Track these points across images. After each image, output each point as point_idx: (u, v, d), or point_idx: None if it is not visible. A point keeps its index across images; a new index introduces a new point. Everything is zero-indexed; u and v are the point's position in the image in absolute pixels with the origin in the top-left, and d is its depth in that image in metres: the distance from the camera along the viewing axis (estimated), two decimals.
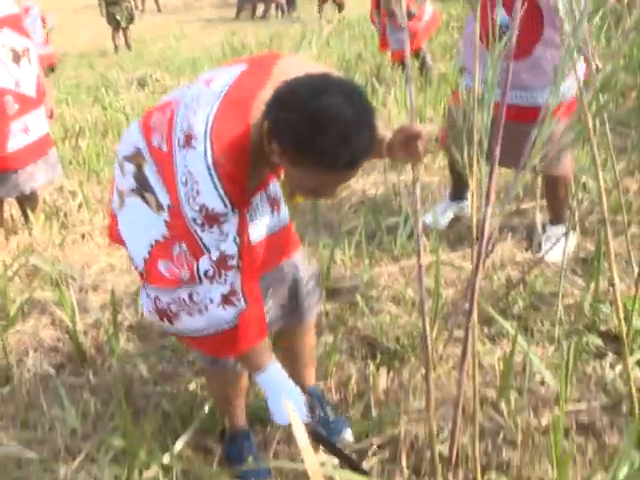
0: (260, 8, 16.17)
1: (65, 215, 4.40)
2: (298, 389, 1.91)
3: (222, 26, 14.78)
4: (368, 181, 4.77)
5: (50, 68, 8.36)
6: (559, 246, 2.93)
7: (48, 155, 4.07)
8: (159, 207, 1.75)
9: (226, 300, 1.78)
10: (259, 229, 2.06)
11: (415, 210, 1.73)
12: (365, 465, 2.23)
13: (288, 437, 2.39)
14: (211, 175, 1.64)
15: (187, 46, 12.04)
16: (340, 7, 10.18)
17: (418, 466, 2.22)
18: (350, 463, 2.07)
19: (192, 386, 2.64)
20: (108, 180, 5.08)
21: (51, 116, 4.24)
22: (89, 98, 8.07)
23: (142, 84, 8.69)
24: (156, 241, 1.78)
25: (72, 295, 3.10)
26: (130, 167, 1.83)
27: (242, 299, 1.80)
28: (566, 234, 2.41)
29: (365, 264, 3.34)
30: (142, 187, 1.80)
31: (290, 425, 1.71)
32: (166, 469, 2.18)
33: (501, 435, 2.30)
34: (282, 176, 1.89)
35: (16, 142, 3.84)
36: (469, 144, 1.82)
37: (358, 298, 3.05)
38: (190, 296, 1.77)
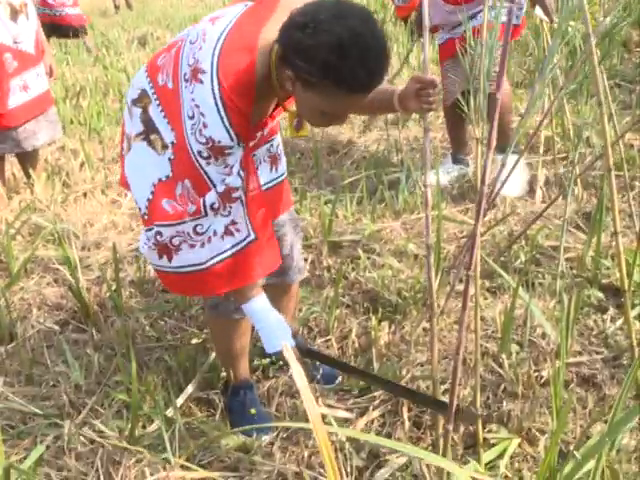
0: None
1: (67, 174, 4.39)
2: (282, 318, 1.96)
3: None
4: (370, 137, 4.75)
5: (81, 29, 8.24)
6: (515, 179, 2.89)
7: (48, 113, 4.05)
8: (164, 146, 1.80)
9: (227, 231, 1.84)
10: (258, 181, 2.06)
11: (425, 161, 1.72)
12: (366, 418, 2.25)
13: (290, 389, 2.41)
14: (218, 108, 1.67)
15: (188, 3, 11.91)
16: None
17: (419, 419, 2.23)
18: (344, 368, 2.22)
19: (195, 340, 2.65)
20: (110, 139, 5.07)
21: (51, 74, 4.21)
22: (90, 58, 8.00)
23: (143, 43, 8.63)
24: (159, 180, 1.82)
25: (75, 252, 3.10)
26: (137, 110, 1.87)
27: (245, 227, 1.86)
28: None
29: (367, 219, 3.33)
30: (148, 129, 1.84)
31: (280, 354, 1.86)
32: (169, 422, 2.20)
33: (502, 387, 2.31)
34: (288, 109, 1.91)
35: (15, 99, 3.82)
36: (475, 92, 1.82)
37: (360, 252, 3.05)
38: (194, 228, 1.81)
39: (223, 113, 1.67)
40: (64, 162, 4.57)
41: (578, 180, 3.42)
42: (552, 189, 3.63)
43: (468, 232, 3.20)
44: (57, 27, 8.40)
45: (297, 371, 1.25)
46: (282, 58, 1.65)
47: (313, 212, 3.50)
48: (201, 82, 1.68)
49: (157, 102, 1.82)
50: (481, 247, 2.83)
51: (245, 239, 1.88)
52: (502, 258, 2.93)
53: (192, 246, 1.84)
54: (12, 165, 4.38)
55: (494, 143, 1.42)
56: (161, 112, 1.81)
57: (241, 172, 1.80)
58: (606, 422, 2.06)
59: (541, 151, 3.71)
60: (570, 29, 2.18)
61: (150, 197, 1.83)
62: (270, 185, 2.14)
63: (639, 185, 3.51)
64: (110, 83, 6.56)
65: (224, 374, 2.43)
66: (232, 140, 1.71)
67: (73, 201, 4.01)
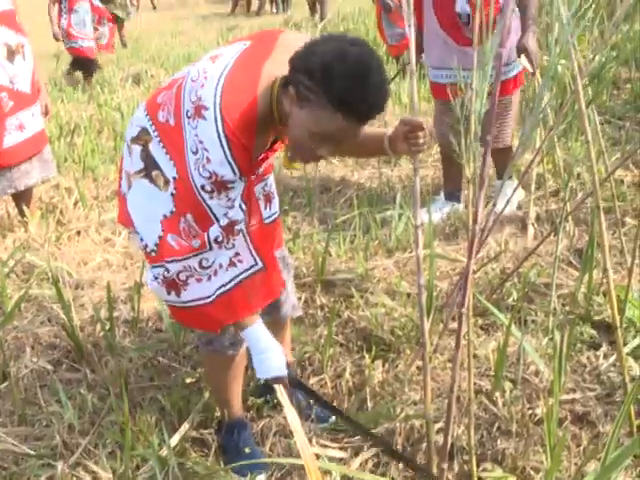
0: (255, 4, 16.17)
1: (61, 212, 4.40)
2: (279, 347, 1.98)
3: (217, 22, 14.76)
4: (363, 175, 4.79)
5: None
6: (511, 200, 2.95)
7: (42, 152, 4.08)
8: (166, 182, 1.83)
9: (231, 262, 1.89)
10: (260, 214, 2.13)
11: (416, 200, 1.75)
12: (360, 458, 2.24)
13: (284, 429, 2.41)
14: (221, 143, 1.72)
15: (183, 42, 12.02)
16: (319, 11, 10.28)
17: (414, 458, 2.23)
18: (326, 406, 2.22)
19: (189, 380, 2.65)
20: (104, 177, 5.09)
21: (46, 113, 4.24)
22: (84, 96, 8.05)
23: (137, 81, 8.67)
24: (164, 216, 1.85)
25: (69, 291, 3.10)
26: (137, 148, 1.91)
27: (251, 259, 1.93)
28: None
29: (359, 257, 3.35)
30: (149, 166, 1.87)
31: (270, 380, 1.91)
32: (163, 463, 2.19)
33: (496, 425, 2.31)
34: (282, 148, 1.98)
35: (11, 139, 3.85)
36: (466, 133, 1.85)
37: (353, 291, 3.06)
38: (200, 262, 1.86)
39: (226, 148, 1.72)
40: (58, 200, 4.57)
41: (570, 217, 3.45)
42: (544, 226, 3.65)
43: (461, 270, 3.22)
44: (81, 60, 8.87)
45: (290, 412, 1.26)
46: (287, 78, 1.72)
47: (306, 251, 3.51)
48: (204, 118, 1.73)
49: (158, 139, 1.86)
50: (474, 285, 2.83)
51: (250, 268, 1.93)
52: (494, 296, 2.95)
53: (199, 280, 1.88)
54: (6, 203, 4.40)
55: (486, 183, 1.45)
56: (162, 148, 1.85)
57: (242, 205, 1.86)
58: (600, 460, 2.06)
59: (532, 188, 3.74)
60: (560, 67, 2.22)
61: (161, 234, 1.86)
62: (267, 221, 2.18)
63: (630, 221, 3.54)
64: (104, 121, 6.59)
65: (218, 414, 2.42)
66: (235, 174, 1.76)
67: (67, 239, 4.01)
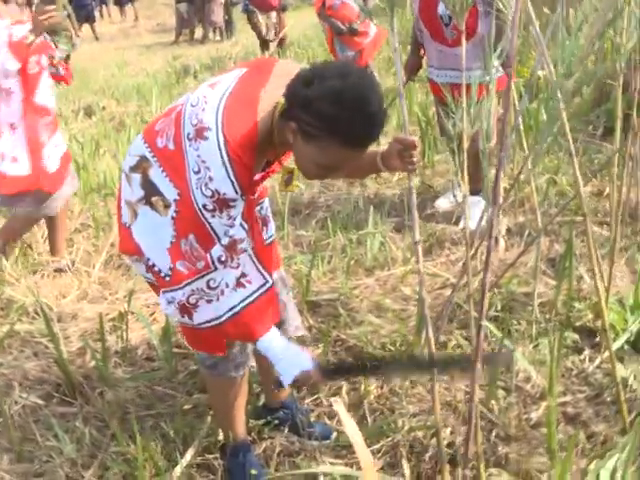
0: (198, 32, 16.21)
1: (30, 246, 4.36)
2: (297, 348, 2.05)
3: (161, 51, 14.74)
4: (330, 196, 4.86)
5: None
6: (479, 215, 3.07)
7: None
8: (166, 206, 1.89)
9: (238, 283, 1.94)
10: (261, 234, 2.21)
11: (413, 219, 1.82)
12: None
13: (287, 449, 2.45)
14: (224, 161, 1.78)
15: (130, 72, 11.99)
16: (280, 43, 10.15)
17: (418, 469, 2.29)
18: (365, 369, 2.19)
19: (187, 406, 2.67)
20: (70, 211, 5.05)
21: None
22: None
23: (89, 113, 8.63)
24: (171, 243, 1.91)
25: (55, 324, 3.09)
26: (136, 177, 1.97)
27: (261, 278, 1.99)
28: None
29: (341, 277, 3.41)
30: (148, 193, 1.94)
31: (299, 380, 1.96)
32: None
33: (494, 432, 2.38)
34: (280, 167, 2.06)
35: (53, 163, 3.84)
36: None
37: (339, 310, 3.12)
38: (207, 283, 1.90)
39: (228, 166, 1.78)
40: (28, 235, 4.53)
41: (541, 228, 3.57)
42: (514, 238, 3.77)
43: (442, 284, 3.30)
44: None
45: (349, 424, 1.30)
46: (286, 112, 1.79)
47: (288, 273, 3.55)
48: (206, 139, 1.79)
49: (158, 164, 1.92)
50: (456, 298, 2.92)
51: (261, 287, 1.99)
52: (478, 307, 3.03)
53: (209, 301, 1.92)
54: None
55: (500, 200, 1.53)
56: (162, 172, 1.91)
57: (244, 224, 1.91)
58: (599, 457, 2.14)
59: (500, 201, 3.84)
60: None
61: (171, 265, 1.91)
62: (264, 243, 2.24)
63: (596, 229, 3.68)
64: None
65: (221, 438, 2.44)
66: (236, 193, 1.82)
67: (42, 274, 3.98)
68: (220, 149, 1.78)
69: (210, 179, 1.80)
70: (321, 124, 1.71)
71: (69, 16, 11.80)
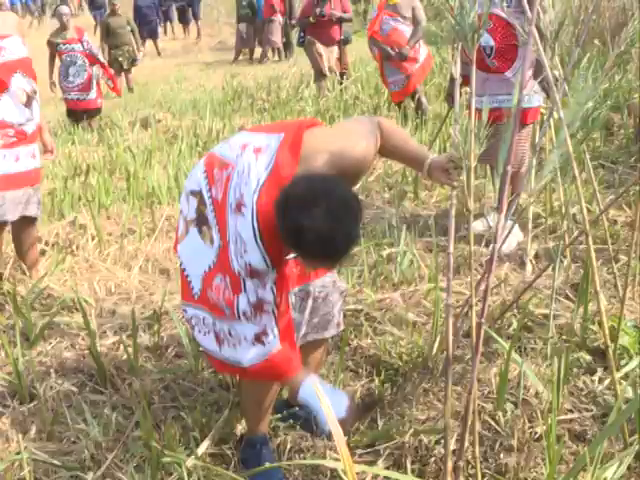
0: (257, 52, 16.55)
1: (77, 247, 4.58)
2: (334, 391, 2.22)
3: (221, 69, 15.09)
4: (367, 214, 4.98)
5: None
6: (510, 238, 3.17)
7: (34, 192, 4.06)
8: (211, 240, 2.13)
9: (257, 339, 2.11)
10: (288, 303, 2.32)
11: (450, 231, 1.97)
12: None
13: (299, 446, 2.56)
14: (256, 239, 1.99)
15: (187, 88, 12.32)
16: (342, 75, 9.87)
17: (422, 470, 2.39)
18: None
19: (208, 401, 2.80)
20: (117, 214, 5.28)
21: (52, 151, 4.35)
22: (94, 138, 8.28)
23: (145, 125, 8.91)
24: (209, 267, 2.14)
25: (93, 319, 3.28)
26: (194, 201, 2.21)
27: (274, 339, 2.12)
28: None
29: (368, 290, 3.53)
30: (201, 221, 2.17)
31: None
32: (189, 474, 2.33)
33: (498, 442, 2.47)
34: None
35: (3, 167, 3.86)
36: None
37: (362, 320, 3.23)
38: (229, 330, 2.12)
39: (260, 243, 1.99)
40: (74, 236, 4.76)
41: (568, 253, 3.65)
42: (542, 262, 3.85)
43: (462, 302, 3.39)
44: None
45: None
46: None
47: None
48: (243, 215, 2.00)
49: (211, 208, 2.14)
50: (476, 315, 3.01)
51: (271, 342, 2.13)
52: (496, 325, 3.12)
53: (228, 345, 2.15)
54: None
55: (505, 208, 1.66)
56: (214, 218, 2.13)
57: (274, 289, 2.09)
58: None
59: (530, 227, 3.93)
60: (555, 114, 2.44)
61: (201, 288, 2.17)
62: None
63: (623, 258, 3.73)
64: (115, 162, 6.80)
65: (237, 430, 2.58)
66: (267, 267, 2.02)
67: (85, 272, 4.19)
68: (253, 228, 1.98)
69: (245, 251, 2.01)
70: (290, 245, 1.94)
71: (133, 32, 12.22)
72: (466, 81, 4.42)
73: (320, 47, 8.87)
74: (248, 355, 2.12)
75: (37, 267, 4.19)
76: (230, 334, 2.12)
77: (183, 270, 2.28)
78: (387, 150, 2.26)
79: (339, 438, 1.54)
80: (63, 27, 8.73)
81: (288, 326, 2.22)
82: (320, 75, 8.99)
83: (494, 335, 2.70)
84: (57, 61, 8.91)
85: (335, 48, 8.97)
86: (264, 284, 2.06)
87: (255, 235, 1.98)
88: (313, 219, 1.82)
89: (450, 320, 2.08)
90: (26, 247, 4.13)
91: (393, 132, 2.26)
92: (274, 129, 2.21)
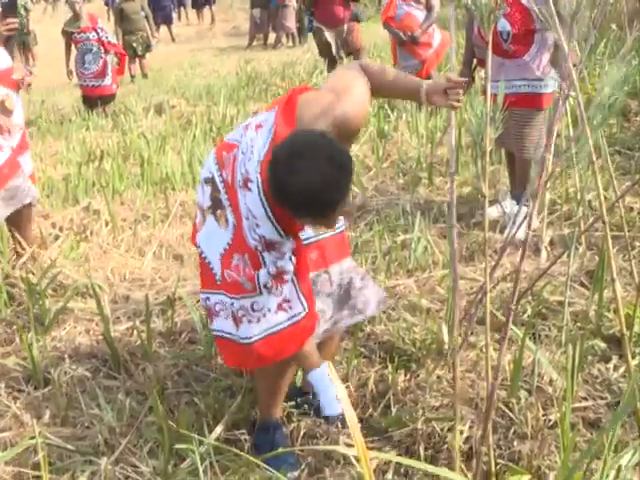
0: (271, 37, 16.50)
1: (91, 232, 4.59)
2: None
3: (234, 54, 15.05)
4: (381, 200, 4.96)
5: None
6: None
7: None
8: (226, 222, 2.14)
9: (280, 307, 2.14)
10: (309, 233, 2.36)
11: (451, 209, 1.93)
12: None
13: (312, 431, 2.56)
14: (266, 212, 2.01)
15: (201, 74, 12.29)
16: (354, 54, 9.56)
17: (435, 457, 2.38)
18: None
19: (221, 386, 2.81)
20: (131, 200, 5.28)
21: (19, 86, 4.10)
22: (108, 124, 8.29)
23: (159, 110, 8.91)
24: (225, 250, 2.16)
25: (107, 305, 3.29)
26: (208, 188, 2.22)
27: (299, 305, 2.16)
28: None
29: (382, 276, 3.51)
30: (216, 205, 2.19)
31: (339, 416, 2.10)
32: (202, 458, 2.34)
33: (512, 430, 2.45)
34: None
35: None
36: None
37: None
38: (252, 305, 2.13)
39: (270, 214, 2.00)
40: (88, 222, 4.76)
41: (583, 240, 3.62)
42: (557, 249, 3.82)
43: (478, 288, 3.37)
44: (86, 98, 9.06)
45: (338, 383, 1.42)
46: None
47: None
48: (250, 190, 2.01)
49: (224, 190, 2.16)
50: (490, 302, 2.99)
51: (298, 314, 2.17)
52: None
53: (250, 321, 2.13)
54: (38, 224, 4.56)
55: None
56: (227, 200, 2.15)
57: (292, 258, 2.11)
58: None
59: (545, 213, 3.90)
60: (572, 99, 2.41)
61: (220, 271, 2.18)
62: (325, 236, 2.41)
63: (639, 245, 3.70)
64: (129, 148, 6.80)
65: (251, 415, 2.58)
66: (281, 237, 2.04)
67: (98, 258, 4.20)
68: (262, 200, 2.00)
69: (257, 225, 2.03)
70: (280, 202, 1.95)
71: (147, 18, 12.20)
72: (481, 63, 4.42)
73: (327, 35, 8.65)
74: (273, 321, 2.13)
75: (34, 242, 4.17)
76: (253, 309, 2.12)
77: (204, 258, 2.28)
78: (378, 89, 2.24)
79: (353, 424, 1.53)
80: (76, 16, 8.73)
81: (309, 292, 2.24)
82: (331, 62, 8.83)
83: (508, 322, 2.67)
84: (73, 49, 8.94)
85: (344, 28, 8.61)
86: (282, 254, 2.07)
87: (264, 207, 2.00)
88: (295, 173, 1.85)
89: (457, 292, 2.08)
90: (23, 224, 4.13)
91: (378, 71, 2.24)
92: (272, 106, 2.21)
